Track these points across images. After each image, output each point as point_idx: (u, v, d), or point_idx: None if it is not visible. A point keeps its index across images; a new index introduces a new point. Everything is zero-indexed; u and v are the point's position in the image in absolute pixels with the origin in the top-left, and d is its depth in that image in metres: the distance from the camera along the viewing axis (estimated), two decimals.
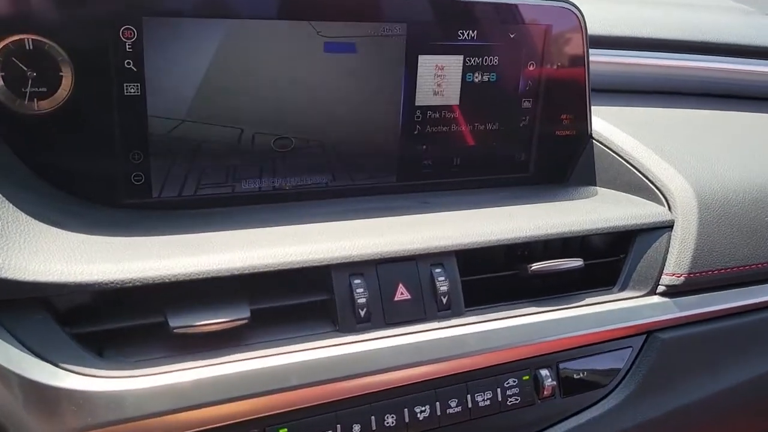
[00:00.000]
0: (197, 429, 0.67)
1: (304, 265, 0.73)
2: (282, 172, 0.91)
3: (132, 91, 0.80)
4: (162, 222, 0.80)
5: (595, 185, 1.03)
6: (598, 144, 1.04)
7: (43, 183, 0.78)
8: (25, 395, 0.61)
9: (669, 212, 0.92)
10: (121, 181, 0.83)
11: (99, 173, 0.81)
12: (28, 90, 0.76)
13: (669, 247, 0.90)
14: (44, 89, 0.76)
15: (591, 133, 1.05)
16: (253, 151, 0.88)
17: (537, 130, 1.03)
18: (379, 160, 0.95)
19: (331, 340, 0.74)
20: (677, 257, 0.89)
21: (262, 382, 0.69)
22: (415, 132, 0.96)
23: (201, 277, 0.69)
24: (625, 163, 1.00)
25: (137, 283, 0.67)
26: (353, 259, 0.76)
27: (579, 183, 1.05)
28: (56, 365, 0.63)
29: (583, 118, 1.04)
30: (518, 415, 0.81)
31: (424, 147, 0.98)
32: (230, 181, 0.89)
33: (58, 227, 0.71)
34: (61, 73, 0.76)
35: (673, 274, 0.89)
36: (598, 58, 1.20)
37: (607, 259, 0.91)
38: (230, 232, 0.78)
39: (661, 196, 0.94)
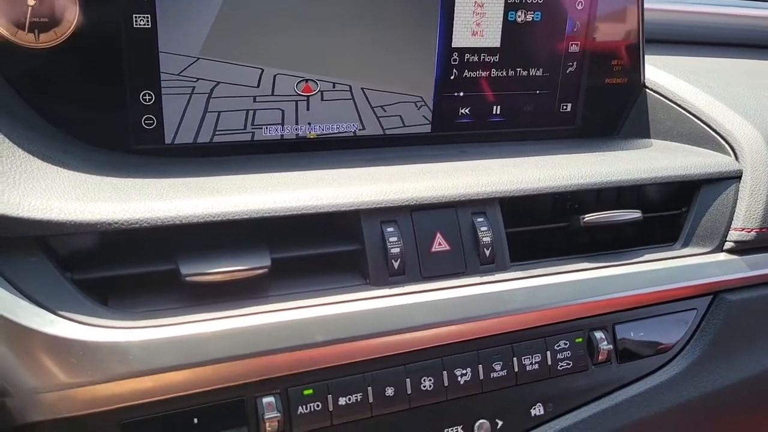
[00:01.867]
0: (210, 387, 0.60)
1: (330, 210, 0.66)
2: (306, 119, 0.83)
3: (142, 23, 0.73)
4: (175, 167, 0.73)
5: (650, 137, 0.94)
6: (652, 93, 0.95)
7: (47, 124, 0.71)
8: (17, 343, 0.54)
9: (736, 162, 0.83)
10: (131, 125, 0.76)
11: (107, 115, 0.74)
12: (27, 20, 0.69)
13: (737, 199, 0.81)
14: (46, 19, 0.69)
15: (644, 82, 0.95)
16: (274, 94, 0.80)
17: (585, 78, 0.93)
18: (412, 107, 0.87)
19: (361, 293, 0.66)
20: (747, 210, 0.80)
21: (283, 337, 0.61)
22: (452, 77, 0.87)
23: (216, 219, 0.62)
24: (683, 111, 0.90)
25: (144, 225, 0.59)
26: (385, 205, 0.68)
27: (631, 136, 0.95)
28: (53, 312, 0.56)
29: (636, 65, 0.95)
30: (570, 382, 0.72)
31: (462, 94, 0.89)
32: (249, 127, 0.81)
33: (59, 166, 0.64)
34: (64, 2, 0.69)
35: (743, 229, 0.79)
36: (650, 5, 1.09)
37: (667, 212, 0.81)
38: (250, 175, 0.71)
39: (726, 146, 0.85)
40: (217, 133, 0.80)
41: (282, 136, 0.83)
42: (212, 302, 0.62)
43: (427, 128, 0.89)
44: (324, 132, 0.84)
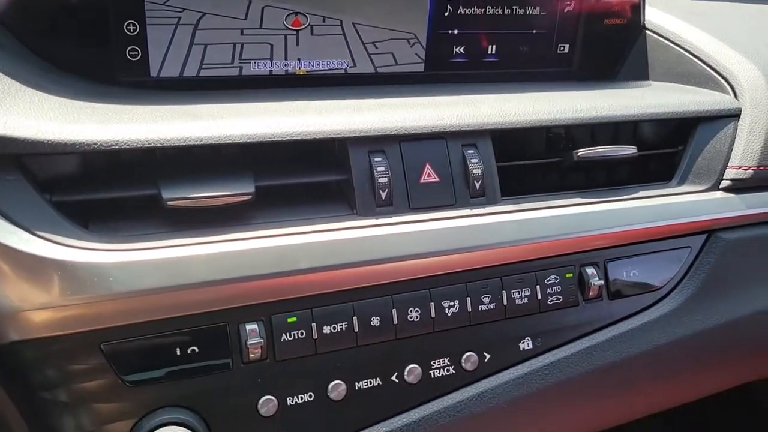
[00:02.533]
0: (192, 312, 0.59)
1: (317, 137, 0.64)
2: (295, 54, 0.81)
3: None
4: (160, 96, 0.71)
5: (648, 79, 0.92)
6: (651, 34, 0.92)
7: (29, 53, 0.70)
8: None
9: (735, 100, 0.81)
10: (116, 56, 0.74)
11: (90, 45, 0.72)
12: None
13: (735, 137, 0.79)
14: None
15: (644, 23, 0.93)
16: (263, 28, 0.78)
17: (583, 18, 0.91)
18: (405, 44, 0.85)
19: (347, 223, 0.64)
20: (744, 148, 0.78)
21: (267, 263, 0.60)
22: (446, 14, 0.85)
23: (199, 143, 0.60)
24: (683, 52, 0.88)
25: (125, 146, 0.58)
26: (374, 134, 0.66)
27: (629, 78, 0.93)
28: (30, 231, 0.55)
29: (636, 6, 0.92)
30: (559, 317, 0.71)
31: (456, 32, 0.87)
32: (237, 61, 0.79)
33: (39, 90, 0.62)
34: None
35: (740, 167, 0.77)
36: None
37: (663, 150, 0.80)
38: (236, 104, 0.69)
39: (725, 85, 0.83)
40: (203, 66, 0.78)
41: (270, 71, 0.81)
42: (195, 228, 0.61)
43: (420, 67, 0.87)
44: (314, 68, 0.82)
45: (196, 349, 0.59)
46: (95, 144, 0.57)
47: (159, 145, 0.59)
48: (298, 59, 0.81)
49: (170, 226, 0.61)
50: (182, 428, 0.58)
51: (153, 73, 0.76)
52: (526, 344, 0.70)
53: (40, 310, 0.54)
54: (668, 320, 0.75)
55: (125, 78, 0.75)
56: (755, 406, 1.32)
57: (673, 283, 0.76)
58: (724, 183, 0.78)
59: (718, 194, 0.78)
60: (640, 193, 0.76)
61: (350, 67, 0.84)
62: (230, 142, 0.61)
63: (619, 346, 0.73)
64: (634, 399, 0.80)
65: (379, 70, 0.85)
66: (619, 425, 0.83)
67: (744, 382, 0.91)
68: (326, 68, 0.83)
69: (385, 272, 0.64)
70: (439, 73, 0.88)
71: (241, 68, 0.80)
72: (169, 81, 0.77)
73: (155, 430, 0.57)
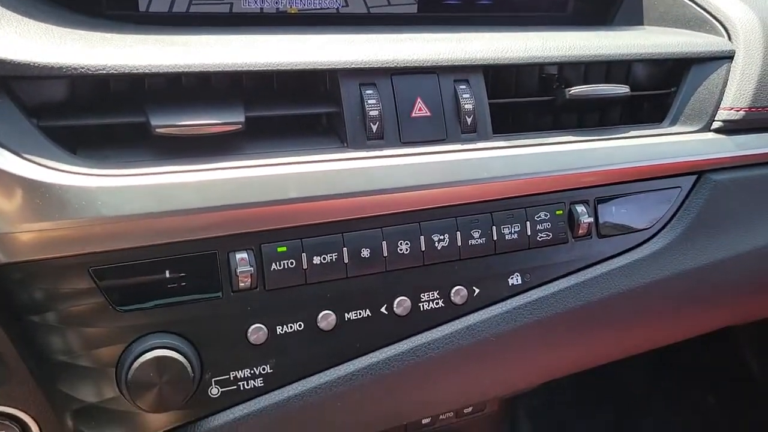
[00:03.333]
0: (182, 239, 0.59)
1: (308, 68, 0.63)
2: None
3: None
4: (148, 29, 0.70)
5: (643, 24, 0.91)
6: None
7: None
8: None
9: (729, 42, 0.80)
10: None
11: None
12: None
13: (728, 79, 0.78)
14: None
15: None
16: None
17: None
18: None
19: (337, 154, 0.64)
20: (737, 90, 0.78)
21: (257, 191, 0.60)
22: None
23: (188, 71, 0.60)
24: None
25: (112, 71, 0.57)
26: (365, 66, 0.65)
27: (623, 23, 0.92)
28: (18, 154, 0.54)
29: None
30: (549, 254, 0.72)
31: None
32: None
33: (26, 17, 0.61)
34: None
35: (732, 108, 0.77)
36: None
37: (656, 91, 0.79)
38: (227, 36, 0.68)
39: (720, 27, 0.82)
40: (193, 2, 0.77)
41: (262, 9, 0.80)
42: (184, 156, 0.60)
43: (413, 8, 0.86)
44: (306, 7, 0.82)
45: (186, 276, 0.59)
46: (82, 68, 0.57)
47: (148, 71, 0.58)
48: None
49: (159, 155, 0.60)
50: (173, 352, 0.58)
51: (142, 7, 0.76)
52: (515, 280, 0.71)
53: (28, 233, 0.54)
54: (657, 259, 0.76)
55: (113, 11, 0.74)
56: (736, 354, 1.35)
57: (663, 223, 0.76)
58: (716, 124, 0.78)
59: (710, 135, 0.78)
60: (632, 133, 0.76)
61: (342, 6, 0.83)
62: (220, 70, 0.61)
63: (608, 283, 0.74)
64: (622, 337, 0.81)
65: (372, 10, 0.84)
66: (607, 363, 0.84)
67: (730, 324, 0.92)
68: (318, 7, 0.82)
69: (375, 204, 0.64)
70: (432, 15, 0.87)
71: (231, 5, 0.79)
72: (157, 16, 0.76)
73: (146, 353, 0.58)
